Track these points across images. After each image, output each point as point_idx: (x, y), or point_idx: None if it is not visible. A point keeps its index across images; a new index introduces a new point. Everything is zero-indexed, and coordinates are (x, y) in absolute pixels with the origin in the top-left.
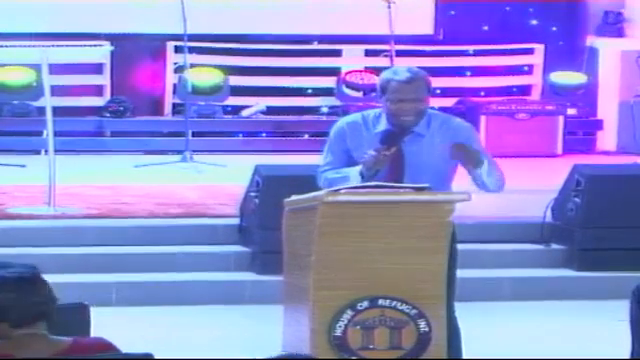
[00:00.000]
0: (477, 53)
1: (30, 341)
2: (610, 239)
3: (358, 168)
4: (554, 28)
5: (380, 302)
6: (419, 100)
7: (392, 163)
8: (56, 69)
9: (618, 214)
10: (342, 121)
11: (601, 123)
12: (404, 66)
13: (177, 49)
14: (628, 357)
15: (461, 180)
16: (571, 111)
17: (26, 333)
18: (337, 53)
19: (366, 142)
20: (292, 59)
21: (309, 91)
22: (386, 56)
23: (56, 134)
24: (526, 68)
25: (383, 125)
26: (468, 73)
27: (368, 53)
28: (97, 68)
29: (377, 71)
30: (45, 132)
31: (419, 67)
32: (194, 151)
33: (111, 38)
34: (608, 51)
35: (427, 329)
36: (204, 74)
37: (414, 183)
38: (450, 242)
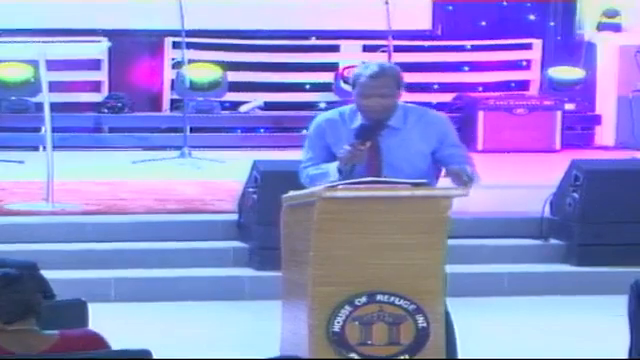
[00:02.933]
0: (475, 48)
1: (22, 336)
2: (608, 234)
3: (336, 164)
4: (552, 23)
5: (378, 297)
6: (386, 95)
7: (369, 158)
8: (54, 65)
9: (616, 209)
10: (320, 117)
11: (599, 118)
12: (377, 62)
13: (175, 45)
14: (626, 351)
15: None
16: (569, 106)
17: (17, 329)
18: (335, 49)
19: (344, 137)
20: (290, 55)
21: (307, 87)
22: (384, 52)
23: (54, 130)
24: (524, 63)
25: (359, 120)
26: (466, 68)
27: (366, 48)
28: (95, 64)
29: None
30: (43, 128)
31: (417, 63)
32: (192, 147)
33: (109, 34)
34: (606, 46)
35: (425, 324)
36: (202, 70)
37: (393, 177)
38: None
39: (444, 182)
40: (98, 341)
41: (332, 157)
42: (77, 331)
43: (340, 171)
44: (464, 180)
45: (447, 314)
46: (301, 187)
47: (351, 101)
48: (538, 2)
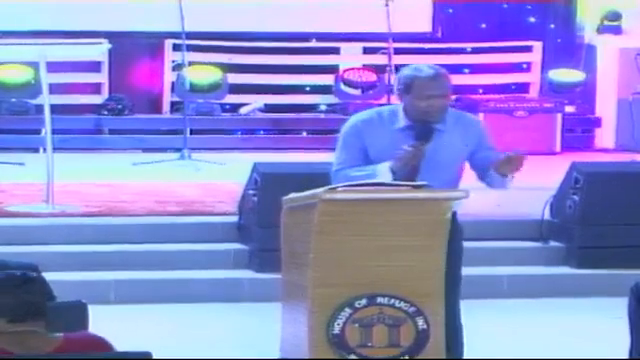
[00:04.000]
0: (475, 51)
1: (24, 337)
2: (608, 236)
3: (387, 164)
4: (552, 25)
5: (378, 300)
6: (446, 96)
7: None
8: (54, 67)
9: (616, 211)
10: (356, 118)
11: (599, 121)
12: (425, 64)
13: (175, 47)
14: (626, 353)
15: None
16: (569, 109)
17: (22, 330)
18: (335, 51)
19: (386, 139)
20: (290, 57)
21: (307, 89)
22: (384, 54)
23: (54, 132)
24: (524, 66)
25: (402, 122)
26: (466, 71)
27: (366, 51)
28: (95, 66)
29: (375, 69)
30: (43, 130)
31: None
32: (192, 149)
33: (109, 36)
34: (606, 48)
35: (425, 327)
36: (202, 72)
37: (427, 179)
38: (456, 239)
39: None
40: (103, 346)
41: (367, 159)
42: (82, 334)
43: (394, 172)
44: (507, 169)
45: (458, 317)
46: (299, 189)
47: (352, 103)
48: (538, 4)
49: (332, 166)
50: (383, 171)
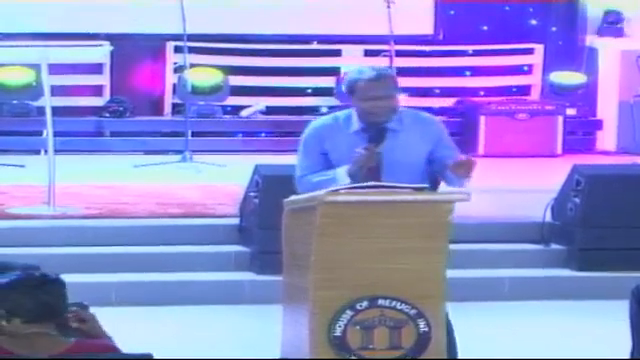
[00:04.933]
0: (477, 53)
1: (35, 339)
2: (610, 239)
3: (344, 168)
4: (553, 28)
5: (380, 302)
6: (390, 97)
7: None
8: (56, 69)
9: (618, 214)
10: (315, 123)
11: (601, 123)
12: (369, 66)
13: (177, 49)
14: (628, 356)
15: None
16: (571, 111)
17: (34, 332)
18: (337, 53)
19: (343, 143)
20: (292, 59)
21: (309, 91)
22: (386, 56)
23: (56, 134)
24: (526, 68)
25: (356, 125)
26: (468, 73)
27: (368, 53)
28: (97, 68)
29: None
30: (45, 132)
31: (418, 67)
32: (194, 151)
33: (111, 38)
34: (608, 51)
35: (427, 329)
36: (204, 74)
37: (392, 180)
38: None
39: (444, 187)
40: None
41: (329, 164)
42: (95, 340)
43: (351, 175)
44: (461, 172)
45: (446, 316)
46: (297, 192)
47: (352, 106)
48: (540, 7)
49: (295, 173)
50: (341, 175)
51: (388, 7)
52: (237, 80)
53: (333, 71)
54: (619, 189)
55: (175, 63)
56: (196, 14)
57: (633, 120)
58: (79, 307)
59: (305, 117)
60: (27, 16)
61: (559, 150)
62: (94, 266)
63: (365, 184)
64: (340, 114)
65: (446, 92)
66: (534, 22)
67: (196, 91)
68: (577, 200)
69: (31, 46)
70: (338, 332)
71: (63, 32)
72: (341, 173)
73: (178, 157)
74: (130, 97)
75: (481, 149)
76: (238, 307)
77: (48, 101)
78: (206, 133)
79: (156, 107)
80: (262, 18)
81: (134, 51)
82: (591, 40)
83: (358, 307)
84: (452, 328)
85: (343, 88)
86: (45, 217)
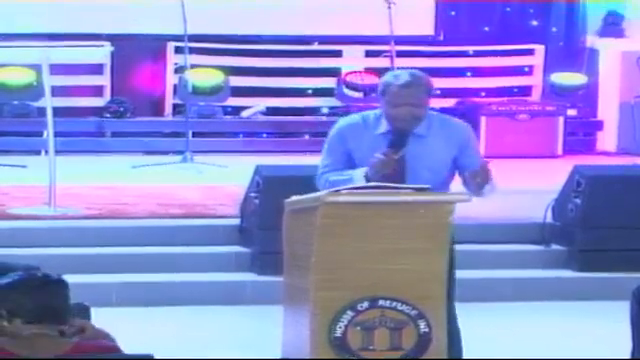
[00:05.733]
0: (477, 54)
1: (35, 340)
2: (610, 240)
3: (363, 170)
4: (554, 29)
5: (380, 303)
6: (416, 105)
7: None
8: (56, 69)
9: (618, 215)
10: (342, 122)
11: (601, 124)
12: (407, 70)
13: (177, 49)
14: (629, 356)
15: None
16: (571, 112)
17: (35, 332)
18: (337, 54)
19: (367, 143)
20: (292, 60)
21: (309, 92)
22: (386, 57)
23: (56, 134)
24: (526, 69)
25: (384, 126)
26: (468, 74)
27: (368, 54)
28: (97, 68)
29: (377, 72)
30: (45, 132)
31: (419, 68)
32: (194, 152)
33: (111, 38)
34: (608, 52)
35: (427, 329)
36: (204, 74)
37: (415, 185)
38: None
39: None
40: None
41: (351, 163)
42: (97, 341)
43: (368, 178)
44: (477, 181)
45: (454, 318)
46: (303, 191)
47: (354, 106)
48: (541, 7)
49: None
50: (359, 177)
51: (389, 8)
52: (238, 81)
53: (334, 72)
54: (620, 190)
55: (176, 64)
56: (197, 15)
57: (634, 121)
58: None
59: (306, 118)
60: (28, 16)
61: (560, 151)
62: (95, 266)
63: (366, 184)
64: (370, 113)
65: (447, 93)
66: (535, 23)
67: (197, 91)
68: (578, 201)
69: (32, 46)
70: (339, 333)
71: (64, 32)
72: (358, 175)
73: (179, 158)
74: (131, 97)
75: (482, 150)
76: (238, 308)
77: (49, 101)
78: (207, 134)
79: (157, 108)
80: (263, 19)
81: (135, 52)
82: (592, 41)
83: (359, 308)
84: (460, 335)
85: (379, 89)
86: (46, 217)
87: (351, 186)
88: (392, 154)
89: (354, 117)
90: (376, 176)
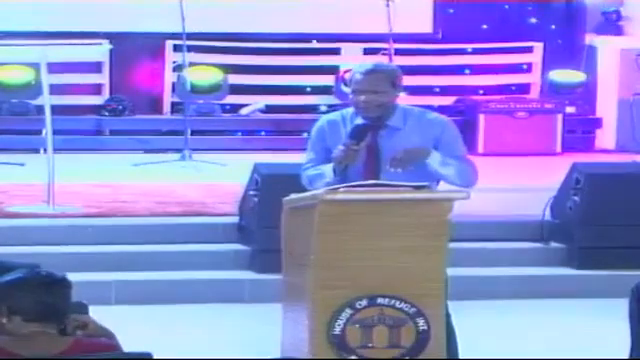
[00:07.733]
0: (476, 51)
1: (34, 338)
2: (609, 237)
3: (332, 164)
4: (553, 26)
5: (379, 301)
6: (377, 92)
7: (368, 158)
8: (55, 68)
9: (617, 212)
10: (322, 119)
11: (600, 121)
12: (373, 62)
13: (176, 48)
14: (627, 355)
15: None
16: (570, 109)
17: (33, 330)
18: (336, 52)
19: (342, 138)
20: (291, 57)
21: (308, 89)
22: (385, 54)
23: (55, 133)
24: (525, 66)
25: (359, 121)
26: (467, 71)
27: (367, 52)
28: (96, 67)
29: None
30: (44, 131)
31: (418, 66)
32: (193, 150)
33: (110, 37)
34: (607, 49)
35: (426, 327)
36: (203, 73)
37: (390, 178)
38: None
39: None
40: (114, 351)
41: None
42: (93, 340)
43: (335, 171)
44: (413, 154)
45: (448, 317)
46: (302, 189)
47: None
48: (539, 5)
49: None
50: (328, 171)
51: (387, 6)
52: (236, 79)
53: (332, 70)
54: (618, 187)
55: (174, 62)
56: (195, 13)
57: (632, 118)
58: (78, 307)
59: (304, 116)
60: (26, 15)
61: (558, 148)
62: (93, 265)
63: (364, 182)
64: (349, 110)
65: (445, 90)
66: (533, 20)
67: (195, 90)
68: (576, 198)
69: (30, 45)
70: (337, 331)
71: (62, 31)
72: (328, 169)
73: (177, 156)
74: (129, 96)
75: (480, 147)
76: (237, 306)
77: (47, 100)
78: (205, 132)
79: (155, 106)
80: (261, 17)
81: (133, 50)
82: (590, 38)
83: (357, 306)
84: (454, 332)
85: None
86: (44, 216)
87: (327, 181)
88: (353, 145)
89: (334, 114)
90: (339, 167)
